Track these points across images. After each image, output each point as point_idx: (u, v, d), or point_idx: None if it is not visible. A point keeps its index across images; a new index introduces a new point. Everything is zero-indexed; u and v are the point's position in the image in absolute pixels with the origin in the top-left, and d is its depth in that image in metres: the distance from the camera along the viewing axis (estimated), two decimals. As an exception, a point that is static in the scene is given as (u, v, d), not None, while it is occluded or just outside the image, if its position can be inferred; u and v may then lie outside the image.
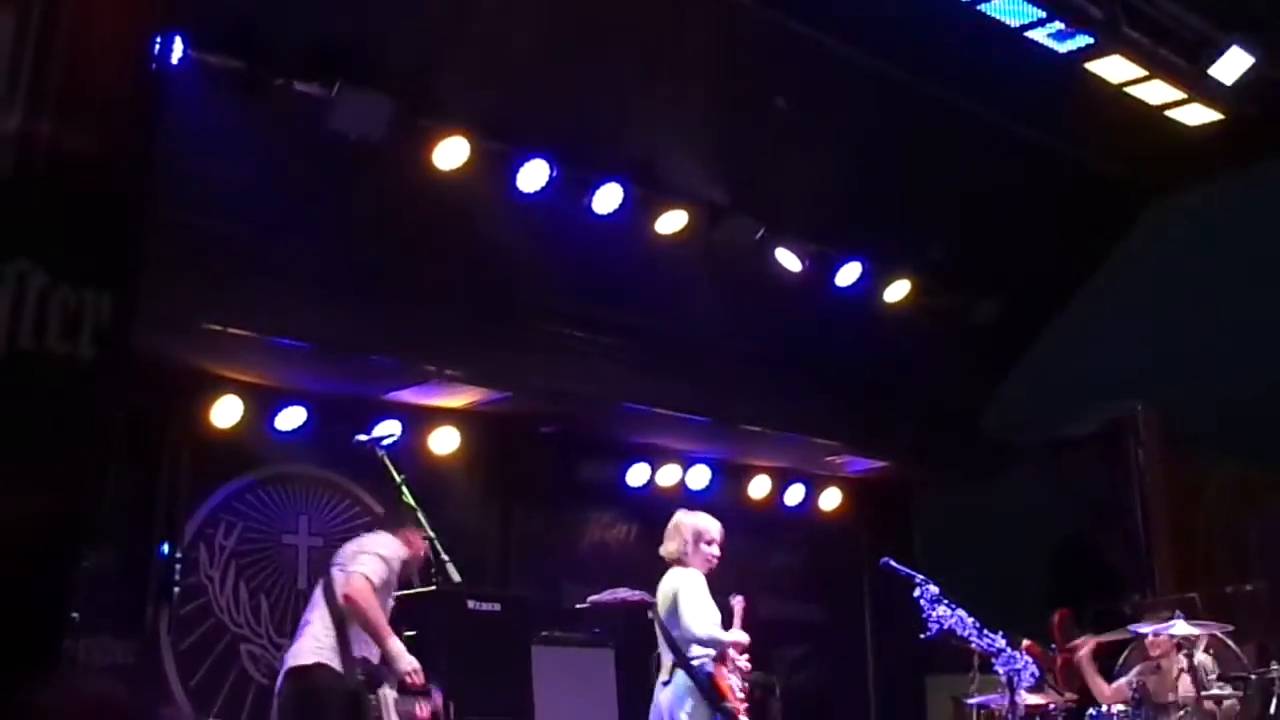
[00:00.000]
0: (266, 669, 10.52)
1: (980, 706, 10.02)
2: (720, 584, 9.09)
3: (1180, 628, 9.80)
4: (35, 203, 2.97)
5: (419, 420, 11.46)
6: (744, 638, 8.88)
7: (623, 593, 11.21)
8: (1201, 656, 10.13)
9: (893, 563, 9.19)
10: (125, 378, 3.43)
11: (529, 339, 11.19)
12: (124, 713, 1.39)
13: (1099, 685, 10.65)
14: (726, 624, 8.93)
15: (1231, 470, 13.24)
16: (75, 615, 5.79)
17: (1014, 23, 10.36)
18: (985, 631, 8.92)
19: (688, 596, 8.75)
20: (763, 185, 11.48)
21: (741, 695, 8.75)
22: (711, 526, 9.04)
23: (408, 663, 7.90)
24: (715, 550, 8.97)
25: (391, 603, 8.15)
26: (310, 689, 7.95)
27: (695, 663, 8.72)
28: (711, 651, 8.72)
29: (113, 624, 6.74)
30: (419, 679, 7.93)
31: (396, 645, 7.89)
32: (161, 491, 7.63)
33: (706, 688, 8.70)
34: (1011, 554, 13.17)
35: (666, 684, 8.76)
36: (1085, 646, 10.95)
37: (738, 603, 9.20)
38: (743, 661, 8.86)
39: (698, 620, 8.69)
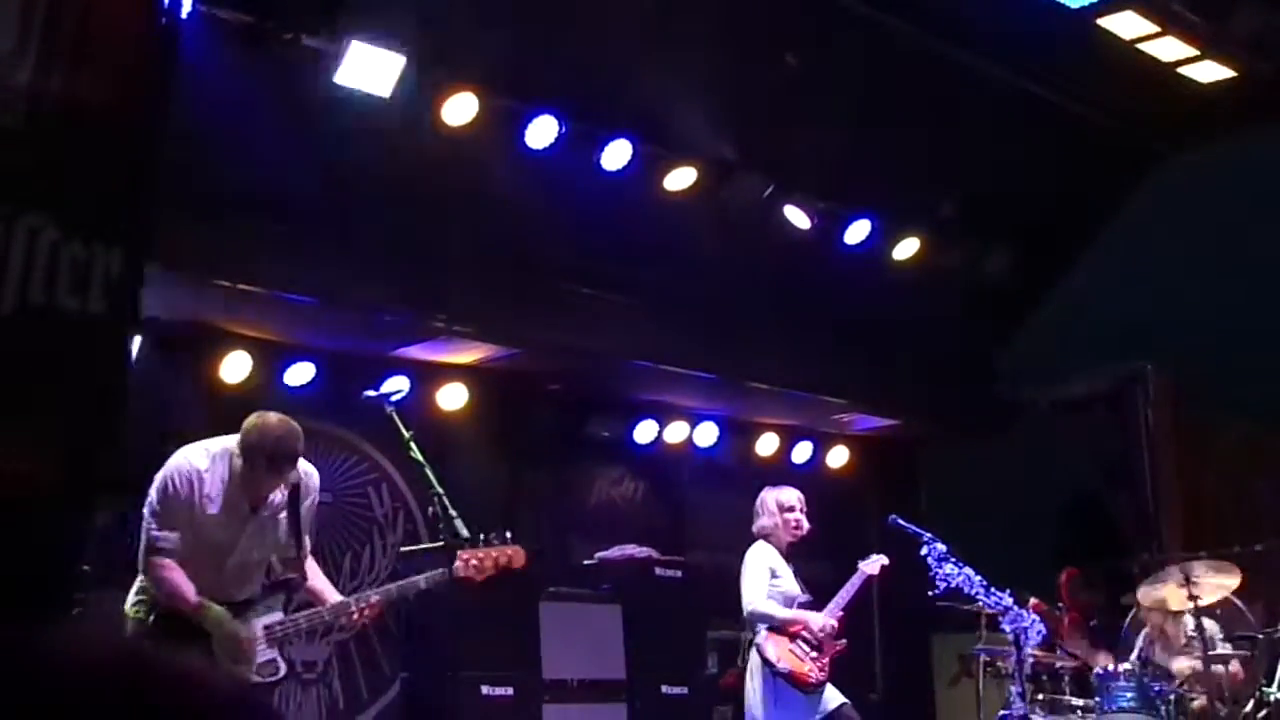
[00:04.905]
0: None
1: (987, 661, 10.04)
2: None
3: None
4: (46, 157, 2.95)
5: (427, 376, 11.46)
6: (808, 618, 8.89)
7: (630, 549, 11.25)
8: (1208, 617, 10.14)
9: (900, 521, 9.21)
10: (135, 333, 3.42)
11: (537, 295, 11.17)
12: (139, 663, 1.38)
13: (1095, 656, 10.66)
14: (817, 593, 9.03)
15: (1241, 430, 13.22)
16: (87, 567, 5.83)
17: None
18: (992, 590, 8.95)
19: (745, 571, 9.01)
20: (772, 142, 11.44)
21: (811, 658, 8.78)
22: (789, 496, 9.22)
23: None
24: (796, 517, 9.13)
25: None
26: None
27: (755, 630, 8.85)
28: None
29: (124, 577, 6.74)
30: None
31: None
32: (171, 446, 7.62)
33: (759, 655, 8.80)
34: (1019, 512, 13.19)
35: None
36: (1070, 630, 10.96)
37: (867, 565, 9.26)
38: (817, 628, 8.88)
39: (747, 594, 8.93)
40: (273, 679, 6.64)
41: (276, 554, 6.80)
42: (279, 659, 6.61)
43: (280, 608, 6.69)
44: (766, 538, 9.12)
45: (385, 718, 10.96)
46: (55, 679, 1.39)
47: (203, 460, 6.72)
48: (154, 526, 6.55)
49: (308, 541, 6.95)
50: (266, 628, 6.58)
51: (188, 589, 6.50)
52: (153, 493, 6.62)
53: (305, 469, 6.91)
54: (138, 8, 3.23)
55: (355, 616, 6.75)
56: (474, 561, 6.84)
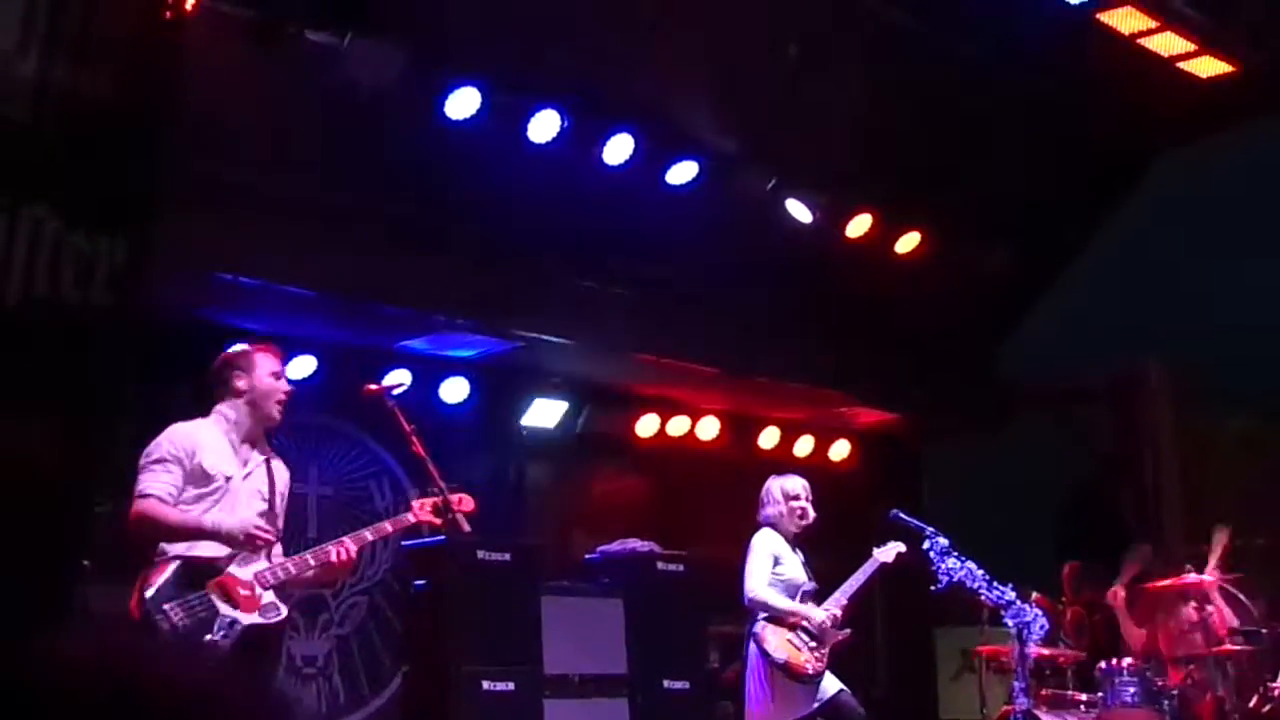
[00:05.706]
0: (277, 617, 10.55)
1: (990, 658, 10.05)
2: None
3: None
4: (50, 148, 2.94)
5: (429, 370, 11.46)
6: (808, 611, 8.87)
7: (632, 543, 11.23)
8: (1211, 610, 10.14)
9: (902, 515, 9.19)
10: (138, 325, 3.42)
11: (539, 289, 11.17)
12: (138, 661, 1.38)
13: (1132, 631, 10.67)
14: (820, 585, 9.03)
15: (1242, 424, 13.23)
16: (87, 563, 5.82)
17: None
18: (995, 584, 8.94)
19: (748, 557, 9.03)
20: (774, 136, 11.43)
21: (810, 649, 8.78)
22: (795, 484, 9.24)
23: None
24: (801, 505, 9.13)
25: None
26: None
27: (754, 619, 8.86)
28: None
29: (125, 572, 6.74)
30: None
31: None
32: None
33: (756, 644, 8.81)
34: (1021, 506, 13.19)
35: None
36: (1119, 595, 10.96)
37: (882, 552, 9.24)
38: (817, 622, 8.87)
39: (748, 581, 8.95)
40: (276, 619, 6.67)
41: (258, 511, 6.87)
42: (278, 601, 6.66)
43: (263, 559, 6.75)
44: (773, 526, 9.12)
45: (386, 712, 10.97)
46: (42, 681, 1.39)
47: (195, 426, 6.84)
48: (144, 480, 6.58)
49: (280, 507, 7.02)
50: (257, 574, 6.63)
51: (188, 518, 6.56)
52: (148, 452, 6.68)
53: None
54: (142, 2, 3.22)
55: (334, 558, 6.79)
56: (428, 506, 7.14)
